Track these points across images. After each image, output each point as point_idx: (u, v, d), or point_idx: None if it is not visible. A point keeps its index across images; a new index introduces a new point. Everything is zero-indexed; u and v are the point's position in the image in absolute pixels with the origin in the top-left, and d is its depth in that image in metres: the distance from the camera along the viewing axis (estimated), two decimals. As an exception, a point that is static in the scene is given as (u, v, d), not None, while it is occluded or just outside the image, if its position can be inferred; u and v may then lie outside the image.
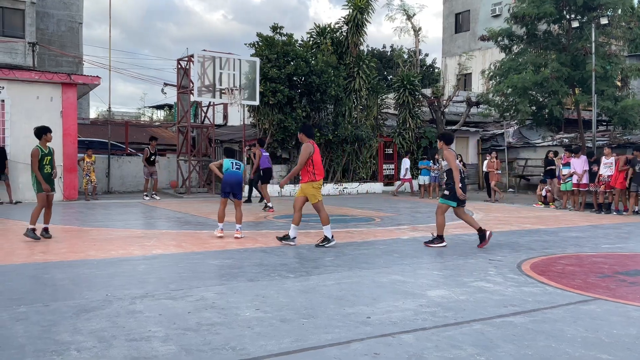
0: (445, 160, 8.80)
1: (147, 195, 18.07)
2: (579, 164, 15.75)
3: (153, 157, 18.38)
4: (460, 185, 8.61)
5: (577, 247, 9.20)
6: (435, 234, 9.06)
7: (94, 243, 8.88)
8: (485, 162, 20.02)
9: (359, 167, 23.07)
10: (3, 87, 16.27)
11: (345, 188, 22.41)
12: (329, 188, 21.94)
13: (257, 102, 19.59)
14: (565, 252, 8.65)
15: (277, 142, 20.87)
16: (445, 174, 8.94)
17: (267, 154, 16.51)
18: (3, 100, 16.28)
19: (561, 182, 16.53)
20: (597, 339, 4.40)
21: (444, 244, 8.90)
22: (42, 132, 9.23)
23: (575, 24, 20.63)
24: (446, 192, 8.85)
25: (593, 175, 15.57)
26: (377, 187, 23.45)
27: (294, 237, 8.89)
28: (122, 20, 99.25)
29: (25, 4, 26.77)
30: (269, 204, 14.59)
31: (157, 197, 18.17)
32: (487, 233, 8.85)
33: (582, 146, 20.27)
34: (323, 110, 21.94)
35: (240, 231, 9.68)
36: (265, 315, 4.90)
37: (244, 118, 21.17)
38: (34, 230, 8.89)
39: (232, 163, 9.96)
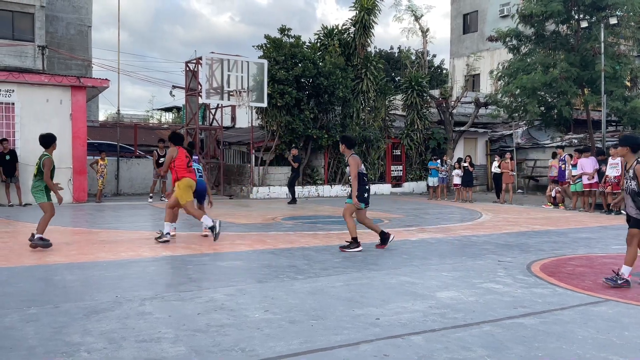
0: (348, 165, 8.56)
1: (151, 197, 18.07)
2: (588, 164, 15.67)
3: (162, 159, 18.40)
4: (357, 193, 8.40)
5: (587, 248, 9.15)
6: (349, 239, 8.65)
7: (103, 245, 8.92)
8: (495, 162, 19.94)
9: (367, 169, 23.04)
10: (13, 90, 16.39)
11: (353, 189, 22.36)
12: (337, 189, 21.93)
13: (265, 104, 19.62)
14: (576, 253, 8.60)
15: (285, 143, 20.88)
16: (349, 181, 8.68)
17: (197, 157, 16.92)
18: (13, 103, 16.39)
19: (570, 182, 16.47)
20: (609, 340, 4.37)
21: (359, 248, 8.48)
22: (52, 141, 8.74)
23: (584, 24, 20.52)
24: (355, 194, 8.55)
25: (602, 175, 15.48)
26: (386, 188, 23.43)
27: (167, 233, 9.19)
28: (130, 23, 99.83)
29: (35, 7, 26.96)
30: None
31: (166, 200, 18.18)
32: (390, 236, 8.71)
33: (592, 147, 20.16)
34: (331, 111, 21.95)
35: (207, 229, 9.75)
36: (274, 316, 4.91)
37: (252, 120, 21.21)
38: (42, 238, 8.42)
39: (195, 170, 9.95)
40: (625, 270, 6.24)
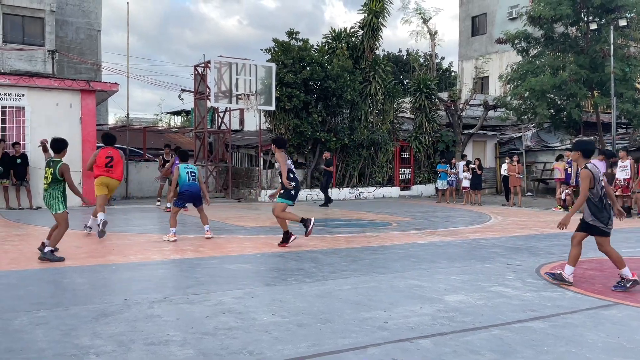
0: (277, 161, 9.05)
1: (159, 201, 17.91)
2: (601, 167, 15.58)
3: (167, 163, 18.20)
4: (287, 183, 8.91)
5: (597, 251, 9.05)
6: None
7: (112, 248, 8.96)
8: (504, 165, 19.86)
9: (376, 172, 23.02)
10: (23, 95, 16.51)
11: (361, 192, 22.36)
12: (346, 193, 21.92)
13: (273, 107, 19.66)
14: (585, 256, 8.53)
15: (293, 146, 20.90)
16: (280, 174, 9.13)
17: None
18: (23, 107, 16.53)
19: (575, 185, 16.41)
20: (618, 344, 4.34)
21: (294, 237, 9.16)
22: (65, 146, 8.29)
23: (593, 26, 20.42)
24: (282, 191, 9.05)
25: (612, 178, 15.38)
26: (394, 191, 23.38)
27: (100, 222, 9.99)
28: (139, 27, 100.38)
29: (45, 12, 27.17)
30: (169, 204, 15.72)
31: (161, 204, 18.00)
32: (292, 237, 9.21)
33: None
34: (339, 114, 21.96)
35: (210, 231, 10.15)
36: (283, 319, 4.91)
37: (260, 123, 21.25)
38: (53, 251, 7.86)
39: (188, 172, 10.06)
40: (625, 272, 6.23)
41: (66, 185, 8.08)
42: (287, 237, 9.19)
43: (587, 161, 6.40)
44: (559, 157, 18.46)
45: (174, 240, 9.61)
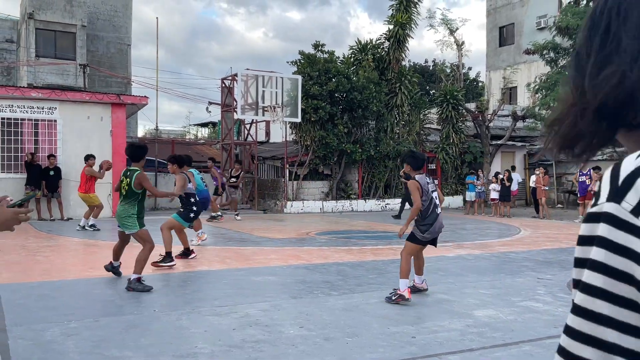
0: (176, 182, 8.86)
1: (237, 215, 17.63)
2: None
3: (233, 179, 17.87)
4: (185, 212, 8.81)
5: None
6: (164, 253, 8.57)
7: (141, 259, 9.04)
8: (533, 177, 19.57)
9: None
10: (55, 108, 16.88)
11: (387, 204, 22.25)
12: (372, 204, 21.84)
13: (299, 119, 19.76)
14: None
15: (319, 158, 20.94)
16: (182, 197, 8.90)
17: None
18: (55, 120, 16.89)
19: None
20: (655, 362, 4.22)
21: (173, 263, 8.32)
22: (144, 153, 7.16)
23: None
24: (182, 210, 8.90)
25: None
26: (420, 203, 23.18)
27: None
28: (167, 41, 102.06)
29: (77, 27, 27.84)
30: (217, 213, 16.24)
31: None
32: (192, 255, 9.00)
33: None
34: (365, 126, 21.93)
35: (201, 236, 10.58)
36: (309, 333, 4.89)
37: (286, 135, 21.35)
38: (139, 279, 6.66)
39: (201, 178, 10.53)
40: (401, 285, 6.06)
41: (141, 200, 7.06)
42: (187, 253, 8.95)
43: (417, 173, 6.47)
44: (595, 169, 18.12)
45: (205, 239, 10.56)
